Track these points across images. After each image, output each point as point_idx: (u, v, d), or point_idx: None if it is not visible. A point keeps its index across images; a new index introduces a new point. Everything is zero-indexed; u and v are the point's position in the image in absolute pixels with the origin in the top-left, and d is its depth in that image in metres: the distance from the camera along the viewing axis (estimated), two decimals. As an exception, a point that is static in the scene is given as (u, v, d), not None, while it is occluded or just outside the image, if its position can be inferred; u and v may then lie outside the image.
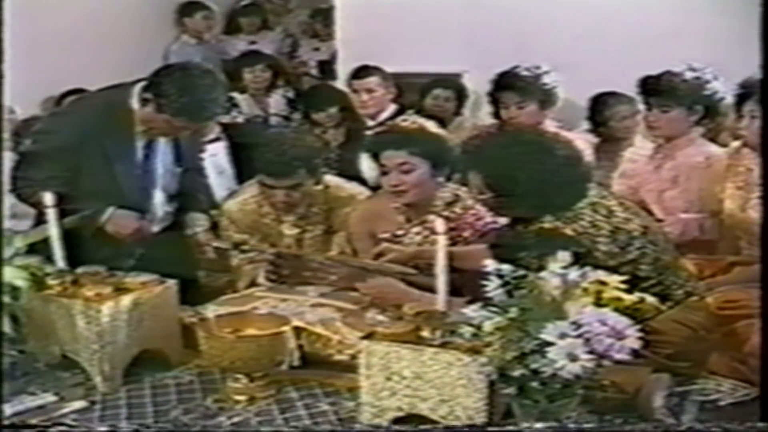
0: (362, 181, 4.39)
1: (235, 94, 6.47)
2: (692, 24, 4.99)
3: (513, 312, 2.31)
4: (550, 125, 4.42)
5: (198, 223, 3.78)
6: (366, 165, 4.43)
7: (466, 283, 2.90)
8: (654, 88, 4.04)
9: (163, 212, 3.79)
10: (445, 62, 5.79)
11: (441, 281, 2.60)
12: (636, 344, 2.28)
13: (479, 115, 5.56)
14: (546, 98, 4.57)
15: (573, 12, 5.44)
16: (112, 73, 6.04)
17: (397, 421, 2.56)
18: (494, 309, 2.34)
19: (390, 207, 3.62)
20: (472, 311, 2.38)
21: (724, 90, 3.94)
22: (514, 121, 4.41)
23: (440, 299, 2.60)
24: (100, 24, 6.62)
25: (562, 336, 2.23)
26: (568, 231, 2.85)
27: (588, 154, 4.15)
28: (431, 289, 2.78)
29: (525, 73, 4.55)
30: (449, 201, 3.56)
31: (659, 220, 3.78)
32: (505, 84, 4.56)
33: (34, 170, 3.52)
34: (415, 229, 3.57)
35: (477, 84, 5.48)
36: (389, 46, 5.89)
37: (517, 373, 2.29)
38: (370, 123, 5.31)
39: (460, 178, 3.57)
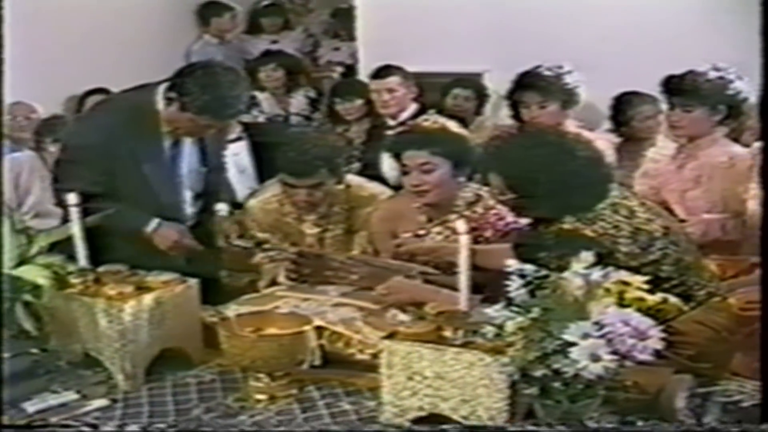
0: (383, 181, 4.40)
1: (257, 93, 6.50)
2: (715, 23, 4.98)
3: (535, 312, 2.30)
4: (571, 125, 4.40)
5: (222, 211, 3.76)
6: (387, 164, 4.44)
7: (487, 283, 2.90)
8: (677, 87, 4.02)
9: (189, 212, 3.78)
10: (465, 62, 5.79)
11: (463, 280, 2.59)
12: (659, 345, 2.27)
13: (500, 114, 5.54)
14: (568, 98, 4.55)
15: (595, 11, 5.43)
16: (135, 72, 6.09)
17: (418, 421, 2.56)
18: (516, 309, 2.33)
19: (411, 207, 3.61)
20: (494, 311, 2.38)
21: (748, 90, 3.91)
22: (535, 122, 4.40)
23: (462, 299, 2.59)
24: (124, 24, 6.64)
25: (585, 336, 2.22)
26: (589, 232, 2.83)
27: (609, 155, 4.14)
28: (452, 289, 2.78)
29: (547, 72, 4.53)
30: (471, 201, 3.56)
31: (681, 221, 3.76)
32: (527, 83, 4.55)
33: (68, 175, 3.50)
34: (437, 229, 3.57)
35: (498, 84, 5.47)
36: (410, 45, 5.89)
37: (539, 373, 2.29)
38: (391, 122, 5.32)
39: (482, 178, 3.56)
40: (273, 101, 6.73)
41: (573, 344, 2.23)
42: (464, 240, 2.60)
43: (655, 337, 2.27)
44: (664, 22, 5.22)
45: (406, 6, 6.08)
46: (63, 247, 3.12)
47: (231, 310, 3.22)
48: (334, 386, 2.93)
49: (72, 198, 3.06)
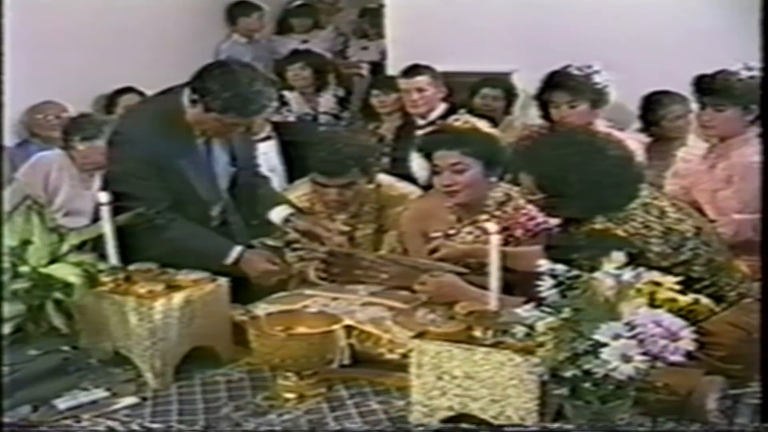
0: (411, 180, 4.40)
1: (285, 93, 6.51)
2: (746, 23, 4.94)
3: (566, 312, 2.30)
4: (601, 125, 4.39)
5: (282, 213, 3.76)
6: (416, 164, 4.42)
7: (518, 283, 2.89)
8: (709, 87, 4.00)
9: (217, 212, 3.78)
10: (494, 61, 5.78)
11: (494, 280, 2.59)
12: (690, 346, 2.26)
13: (528, 114, 5.53)
14: (597, 98, 4.53)
15: (625, 10, 5.41)
16: (165, 71, 6.12)
17: (447, 420, 2.56)
18: (547, 309, 2.33)
19: (442, 206, 3.61)
20: (525, 311, 2.37)
21: (781, 88, 3.88)
22: (565, 121, 4.38)
23: (493, 299, 2.59)
24: (154, 23, 6.67)
25: (616, 337, 2.21)
26: (620, 232, 2.82)
27: (640, 155, 4.12)
28: (483, 289, 2.78)
29: (576, 72, 4.51)
30: (501, 201, 3.55)
31: (712, 221, 3.74)
32: (556, 83, 4.53)
33: (116, 188, 3.49)
34: (467, 229, 3.57)
35: (526, 83, 5.46)
36: (438, 44, 5.89)
37: (569, 373, 2.28)
38: (420, 122, 5.31)
39: (512, 178, 3.56)
40: (301, 100, 6.73)
41: (604, 345, 2.22)
42: (495, 241, 2.60)
43: (687, 338, 2.25)
44: (695, 20, 5.19)
45: (435, 5, 6.08)
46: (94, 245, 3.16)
47: (260, 308, 3.23)
48: (362, 385, 2.93)
49: (103, 197, 3.08)
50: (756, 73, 3.91)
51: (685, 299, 2.42)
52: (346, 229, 3.85)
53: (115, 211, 3.14)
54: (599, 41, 5.19)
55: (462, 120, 3.68)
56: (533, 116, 5.10)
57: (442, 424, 2.55)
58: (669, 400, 2.56)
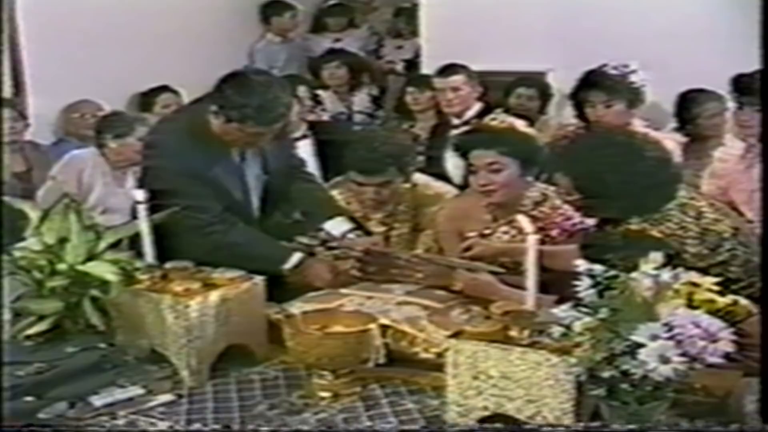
0: (446, 179, 4.39)
1: (320, 92, 6.54)
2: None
3: (603, 312, 2.28)
4: (639, 125, 4.37)
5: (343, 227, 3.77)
6: (451, 163, 4.42)
7: (553, 282, 2.89)
8: (747, 86, 3.99)
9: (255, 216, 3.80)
10: (529, 60, 5.77)
11: (531, 280, 2.58)
12: (729, 347, 2.24)
13: (563, 114, 5.52)
14: (633, 97, 4.52)
15: (660, 9, 5.38)
16: (200, 69, 6.16)
17: (482, 420, 2.55)
18: (584, 309, 2.32)
19: (478, 206, 3.61)
20: (562, 311, 2.36)
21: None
22: (603, 122, 4.37)
23: (529, 298, 2.58)
24: (190, 22, 6.71)
25: (654, 338, 2.20)
26: (656, 232, 2.81)
27: (677, 155, 4.10)
28: (518, 288, 2.77)
29: (613, 71, 4.51)
30: (537, 200, 3.54)
31: (750, 221, 3.71)
32: (593, 82, 4.52)
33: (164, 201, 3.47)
34: (503, 229, 3.56)
35: (561, 83, 5.45)
36: (473, 43, 5.89)
37: (606, 374, 2.27)
38: (455, 121, 5.31)
39: (548, 178, 3.55)
40: (336, 99, 6.76)
41: (642, 345, 2.21)
42: (532, 239, 2.59)
43: (726, 340, 2.23)
44: (731, 18, 5.16)
45: (470, 4, 6.08)
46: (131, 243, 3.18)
47: (296, 307, 3.23)
48: (397, 385, 2.92)
49: (140, 195, 3.09)
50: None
51: (723, 300, 2.39)
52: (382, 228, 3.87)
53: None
54: (635, 40, 5.18)
55: (499, 119, 3.67)
56: (568, 116, 5.09)
57: (478, 424, 2.54)
58: (706, 402, 2.54)
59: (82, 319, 3.04)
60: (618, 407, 2.31)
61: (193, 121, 3.61)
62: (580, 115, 4.61)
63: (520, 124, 3.68)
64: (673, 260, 2.42)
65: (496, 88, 5.68)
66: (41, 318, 3.04)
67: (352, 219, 3.81)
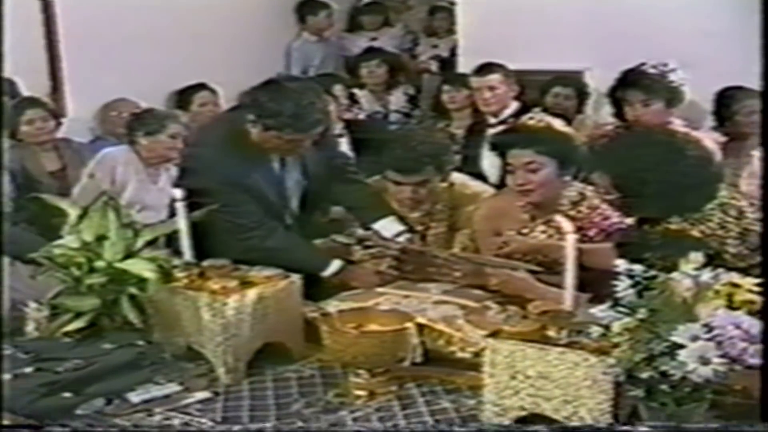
0: (482, 178, 4.39)
1: (356, 91, 6.54)
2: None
3: (642, 313, 2.27)
4: (679, 124, 4.34)
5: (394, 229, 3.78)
6: (488, 162, 4.42)
7: (591, 282, 2.87)
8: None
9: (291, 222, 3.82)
10: (567, 59, 5.75)
11: (569, 279, 2.57)
12: (770, 349, 2.22)
13: (600, 113, 5.49)
14: (672, 96, 4.48)
15: (697, 6, 5.35)
16: (237, 68, 6.18)
17: (518, 420, 2.54)
18: (623, 309, 2.30)
19: (515, 205, 3.59)
20: (600, 311, 2.35)
21: None
22: (643, 121, 4.34)
23: (568, 298, 2.57)
24: (227, 22, 6.73)
25: (694, 338, 2.18)
26: (696, 232, 2.79)
27: (718, 154, 4.06)
28: (556, 288, 2.76)
29: (651, 70, 4.47)
30: (575, 200, 3.52)
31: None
32: (631, 81, 4.49)
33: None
34: (540, 228, 3.55)
35: (599, 82, 5.42)
36: (510, 42, 5.87)
37: (645, 375, 2.25)
38: (492, 120, 5.30)
39: (586, 177, 3.53)
40: (372, 98, 6.76)
41: (681, 346, 2.19)
42: (570, 238, 2.58)
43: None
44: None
45: (507, 2, 6.06)
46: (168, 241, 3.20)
47: (332, 306, 3.23)
48: (433, 384, 2.92)
49: (178, 193, 3.11)
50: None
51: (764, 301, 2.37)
52: (419, 228, 3.86)
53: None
54: (673, 38, 5.14)
55: (536, 118, 3.66)
56: (604, 115, 5.07)
57: (515, 425, 2.53)
58: (745, 404, 2.52)
59: (119, 316, 3.06)
60: (656, 408, 2.30)
61: (232, 129, 3.63)
62: (618, 114, 4.58)
63: (558, 124, 3.66)
64: (713, 260, 2.40)
65: (532, 87, 5.65)
66: (79, 315, 3.06)
67: (401, 219, 3.82)
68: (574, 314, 2.54)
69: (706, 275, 2.30)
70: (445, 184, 3.90)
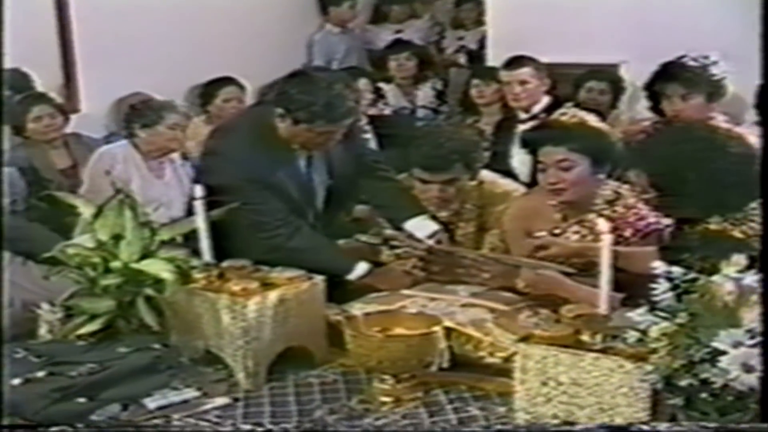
0: (512, 176, 4.37)
1: (382, 85, 6.53)
2: None
3: (682, 317, 2.25)
4: (720, 119, 4.31)
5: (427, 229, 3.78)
6: (518, 160, 4.41)
7: (627, 285, 2.86)
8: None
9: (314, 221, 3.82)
10: (601, 52, 5.72)
11: (604, 282, 2.55)
12: (817, 355, 2.21)
13: (636, 108, 5.47)
14: (713, 90, 4.45)
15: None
16: (259, 62, 6.20)
17: (551, 429, 2.54)
18: (661, 313, 2.29)
19: (547, 205, 3.58)
20: (638, 315, 2.34)
21: None
22: (680, 115, 4.32)
23: (603, 301, 2.56)
24: (248, 13, 6.75)
25: (737, 345, 2.17)
26: (738, 233, 2.77)
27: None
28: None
29: (692, 63, 4.44)
30: (610, 199, 3.51)
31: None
32: (670, 74, 4.46)
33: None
34: (573, 228, 3.53)
35: (635, 75, 5.39)
36: (541, 34, 5.85)
37: (684, 382, 2.24)
38: (523, 116, 5.28)
39: (621, 175, 3.52)
40: (399, 93, 6.75)
41: (723, 353, 2.18)
42: (607, 239, 2.57)
43: (813, 347, 2.20)
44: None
45: (538, -7, 6.05)
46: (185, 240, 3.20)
47: (357, 308, 3.23)
48: (462, 390, 2.91)
49: (198, 191, 3.11)
50: None
51: (810, 306, 2.35)
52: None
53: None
54: (714, 29, 5.11)
55: (569, 114, 3.65)
56: (640, 111, 5.04)
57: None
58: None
59: (135, 318, 3.06)
60: (697, 417, 2.28)
61: (258, 124, 3.64)
62: (656, 109, 4.56)
63: (592, 119, 3.65)
64: (756, 263, 2.39)
65: (565, 82, 5.64)
66: (93, 317, 3.06)
67: (434, 218, 3.82)
68: (610, 318, 2.52)
69: (749, 278, 2.28)
70: (473, 183, 3.90)
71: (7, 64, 3.25)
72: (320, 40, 7.48)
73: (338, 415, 2.79)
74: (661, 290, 2.33)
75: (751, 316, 2.24)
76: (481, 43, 6.94)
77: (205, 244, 3.10)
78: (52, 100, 5.46)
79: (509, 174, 4.42)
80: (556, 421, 2.51)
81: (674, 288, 2.31)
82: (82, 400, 2.75)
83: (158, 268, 3.01)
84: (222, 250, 3.17)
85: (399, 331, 2.90)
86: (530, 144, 3.64)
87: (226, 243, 3.24)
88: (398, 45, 7.09)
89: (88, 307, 3.07)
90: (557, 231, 3.55)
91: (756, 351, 2.16)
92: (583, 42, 5.77)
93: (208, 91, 6.23)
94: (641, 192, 3.02)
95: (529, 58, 5.38)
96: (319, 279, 3.13)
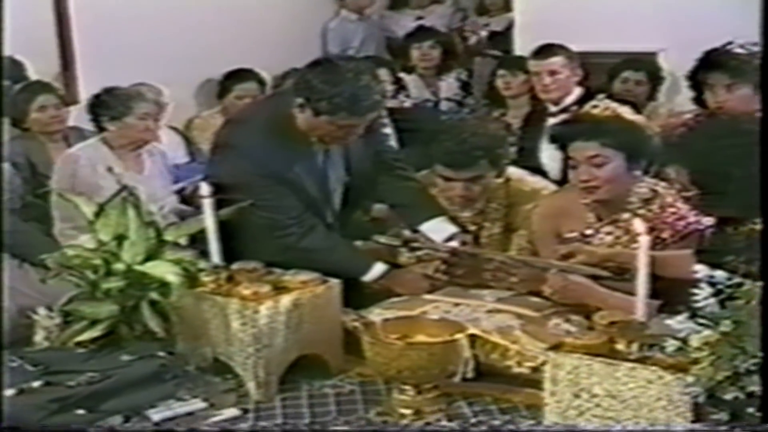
0: (541, 173, 4.36)
1: (403, 75, 6.51)
2: None
3: (725, 325, 2.24)
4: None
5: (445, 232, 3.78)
6: (548, 156, 4.39)
7: (665, 289, 2.85)
8: None
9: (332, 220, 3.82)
10: (638, 39, 5.69)
11: (641, 287, 2.54)
12: None
13: (676, 100, 5.45)
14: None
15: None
16: (271, 52, 6.20)
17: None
18: (703, 321, 2.28)
19: (578, 204, 3.57)
20: (677, 323, 2.33)
21: None
22: (725, 107, 4.29)
23: (639, 307, 2.54)
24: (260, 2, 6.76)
25: (786, 355, 2.16)
26: (786, 234, 2.75)
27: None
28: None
29: (739, 50, 4.41)
30: (646, 198, 3.49)
31: None
32: (714, 63, 4.42)
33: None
34: (606, 229, 3.52)
35: (674, 65, 5.37)
36: (573, 20, 5.84)
37: (729, 395, 2.23)
38: (553, 109, 5.26)
39: (659, 172, 3.50)
40: (421, 84, 6.73)
41: (770, 364, 2.17)
42: (644, 242, 2.55)
43: None
44: None
45: (569, -24, 6.04)
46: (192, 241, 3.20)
47: (375, 314, 3.23)
48: (487, 402, 2.91)
49: (205, 189, 3.11)
50: None
51: None
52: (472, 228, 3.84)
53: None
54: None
55: (601, 106, 3.64)
56: (681, 102, 5.02)
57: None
58: None
59: (139, 324, 3.06)
60: (744, 434, 2.28)
61: (274, 116, 3.64)
62: (699, 100, 4.53)
63: (626, 112, 3.64)
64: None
65: (599, 72, 5.62)
66: (94, 323, 3.06)
67: (453, 220, 3.81)
68: (647, 326, 2.51)
69: (798, 283, 2.27)
70: (500, 180, 3.89)
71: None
72: (335, 27, 7.47)
73: (355, 428, 2.78)
74: (703, 296, 2.32)
75: (800, 324, 2.23)
76: (509, 30, 6.92)
77: (213, 244, 3.10)
78: (56, 90, 5.45)
79: (538, 171, 4.40)
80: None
81: (717, 293, 2.30)
82: (81, 411, 2.75)
83: (164, 270, 3.01)
84: (232, 252, 3.17)
85: (420, 338, 2.90)
86: (559, 139, 3.63)
87: (236, 244, 3.24)
88: (420, 32, 7.05)
89: (88, 312, 3.07)
90: (589, 232, 3.54)
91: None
92: (618, 28, 5.76)
93: (224, 85, 6.23)
94: (680, 190, 3.00)
95: (560, 47, 5.35)
96: (336, 282, 3.13)
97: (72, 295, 3.11)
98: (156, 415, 2.81)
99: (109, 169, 4.73)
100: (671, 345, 2.35)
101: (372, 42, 7.48)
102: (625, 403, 2.45)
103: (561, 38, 5.43)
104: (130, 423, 2.76)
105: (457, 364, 2.94)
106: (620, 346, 2.50)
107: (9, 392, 2.76)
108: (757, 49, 4.36)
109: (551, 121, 4.92)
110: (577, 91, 5.28)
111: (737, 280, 2.30)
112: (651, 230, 3.21)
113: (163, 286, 3.01)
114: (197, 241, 3.19)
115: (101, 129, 4.99)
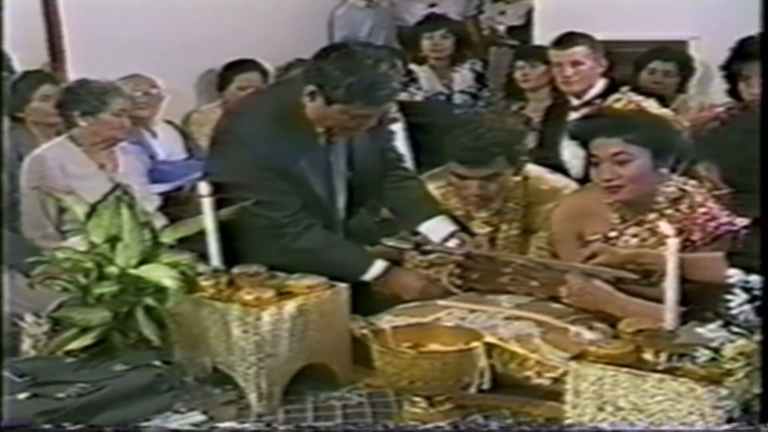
0: (563, 171, 4.36)
1: (414, 66, 6.52)
2: None
3: (761, 334, 2.24)
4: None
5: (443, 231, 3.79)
6: (569, 152, 4.38)
7: (694, 295, 2.85)
8: None
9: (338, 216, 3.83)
10: (667, 27, 5.69)
11: (671, 292, 2.54)
12: None
13: (708, 92, 5.45)
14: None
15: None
16: (277, 41, 6.20)
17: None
18: (737, 329, 2.28)
19: (601, 203, 3.57)
20: (709, 331, 2.33)
21: None
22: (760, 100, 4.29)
23: (668, 315, 2.54)
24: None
25: (826, 365, 2.16)
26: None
27: None
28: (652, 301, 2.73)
29: (775, 39, 4.41)
30: (674, 197, 3.49)
31: None
32: (749, 53, 4.43)
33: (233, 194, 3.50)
34: (631, 231, 3.52)
35: (706, 54, 5.37)
36: (597, 6, 5.83)
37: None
38: (575, 102, 5.27)
39: (688, 169, 3.50)
40: (433, 76, 6.73)
41: (811, 376, 2.17)
42: (673, 244, 2.55)
43: None
44: None
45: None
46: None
47: (385, 321, 3.24)
48: (505, 415, 2.92)
49: (204, 188, 3.11)
50: None
51: None
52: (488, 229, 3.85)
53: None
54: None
55: (625, 100, 3.64)
56: (712, 95, 5.02)
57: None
58: None
59: (133, 332, 3.06)
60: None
61: (281, 104, 3.64)
62: (733, 92, 4.53)
63: (652, 105, 3.63)
64: None
65: (625, 62, 5.61)
66: (85, 330, 3.06)
67: (454, 219, 3.81)
68: (676, 334, 2.51)
69: (838, 289, 2.27)
70: (518, 178, 3.90)
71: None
72: (342, 15, 7.48)
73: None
74: (737, 302, 2.32)
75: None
76: (527, 19, 6.93)
77: (213, 247, 3.10)
78: (59, 81, 5.45)
79: (559, 168, 4.40)
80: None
81: (752, 300, 2.30)
82: (70, 425, 2.75)
83: (160, 274, 3.01)
84: (233, 254, 3.18)
85: (433, 347, 2.91)
86: (581, 135, 3.63)
87: (237, 245, 3.25)
88: (432, 21, 7.05)
89: (79, 318, 3.07)
90: (613, 233, 3.54)
91: None
92: (645, 15, 5.76)
93: (225, 75, 6.24)
94: (711, 189, 3.00)
95: (583, 35, 5.35)
96: (343, 287, 3.14)
97: (61, 301, 3.11)
98: (151, 428, 2.81)
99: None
100: (703, 355, 2.35)
101: (381, 30, 7.49)
102: (653, 417, 2.45)
103: (584, 26, 5.44)
104: (125, 437, 2.77)
105: (473, 375, 2.94)
106: (648, 356, 2.49)
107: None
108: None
109: (573, 115, 4.93)
110: (601, 83, 5.28)
111: (773, 285, 2.31)
112: (680, 232, 3.22)
113: (160, 291, 3.00)
114: (195, 242, 3.19)
115: (69, 125, 4.92)
